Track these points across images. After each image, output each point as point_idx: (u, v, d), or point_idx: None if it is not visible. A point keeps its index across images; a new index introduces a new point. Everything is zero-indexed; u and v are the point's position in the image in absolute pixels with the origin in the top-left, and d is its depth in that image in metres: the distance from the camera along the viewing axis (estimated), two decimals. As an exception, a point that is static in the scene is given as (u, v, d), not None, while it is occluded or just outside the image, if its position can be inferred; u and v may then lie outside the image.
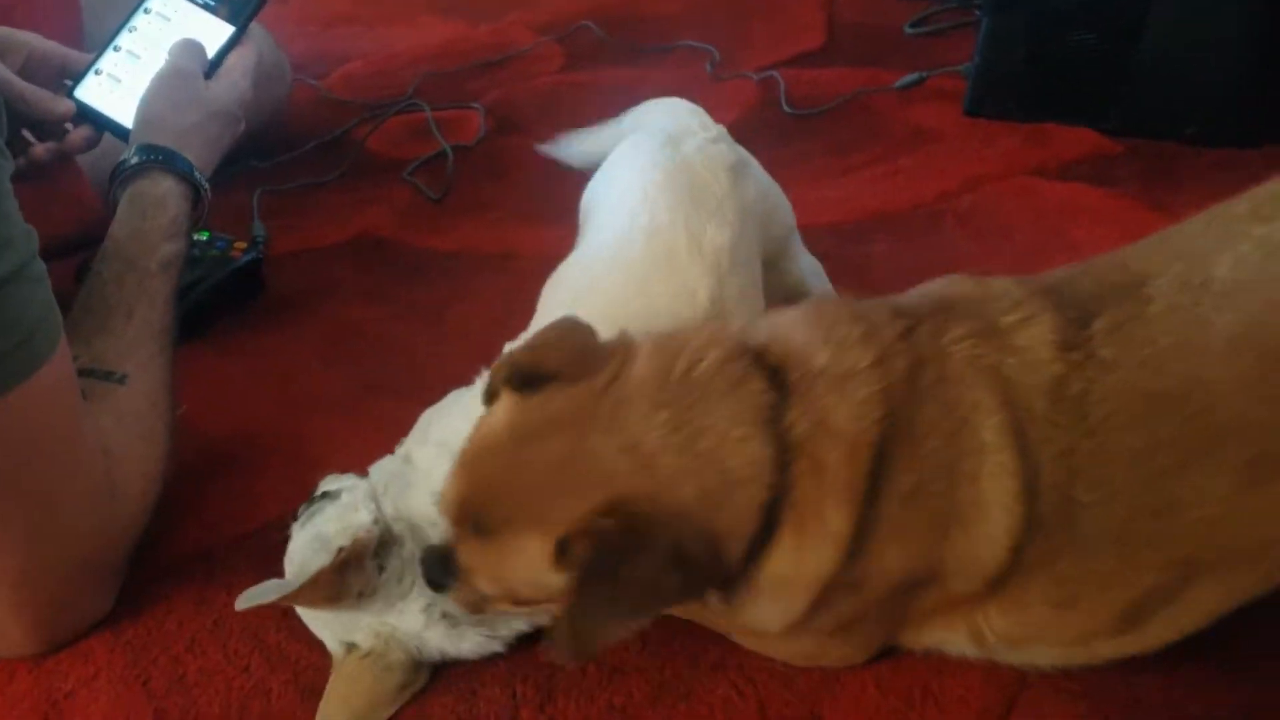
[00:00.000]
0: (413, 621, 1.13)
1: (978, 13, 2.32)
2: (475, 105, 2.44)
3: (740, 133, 2.24)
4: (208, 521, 1.39)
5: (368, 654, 1.14)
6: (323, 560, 1.09)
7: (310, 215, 2.08)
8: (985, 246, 1.82)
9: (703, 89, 2.48)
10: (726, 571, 0.96)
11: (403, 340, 1.74)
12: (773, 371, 0.98)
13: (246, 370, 1.68)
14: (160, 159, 1.44)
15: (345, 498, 1.19)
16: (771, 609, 1.02)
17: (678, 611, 1.16)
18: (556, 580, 0.92)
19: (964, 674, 1.11)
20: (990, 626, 1.04)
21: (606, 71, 2.62)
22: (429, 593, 1.10)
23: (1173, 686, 1.08)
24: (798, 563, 0.97)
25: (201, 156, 1.50)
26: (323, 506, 1.20)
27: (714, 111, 2.34)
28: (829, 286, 1.55)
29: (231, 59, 1.61)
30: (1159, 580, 0.99)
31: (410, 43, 2.86)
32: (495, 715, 1.12)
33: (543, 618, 1.08)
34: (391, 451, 1.28)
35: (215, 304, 1.75)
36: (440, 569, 1.04)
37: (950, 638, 1.08)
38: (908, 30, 2.68)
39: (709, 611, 1.13)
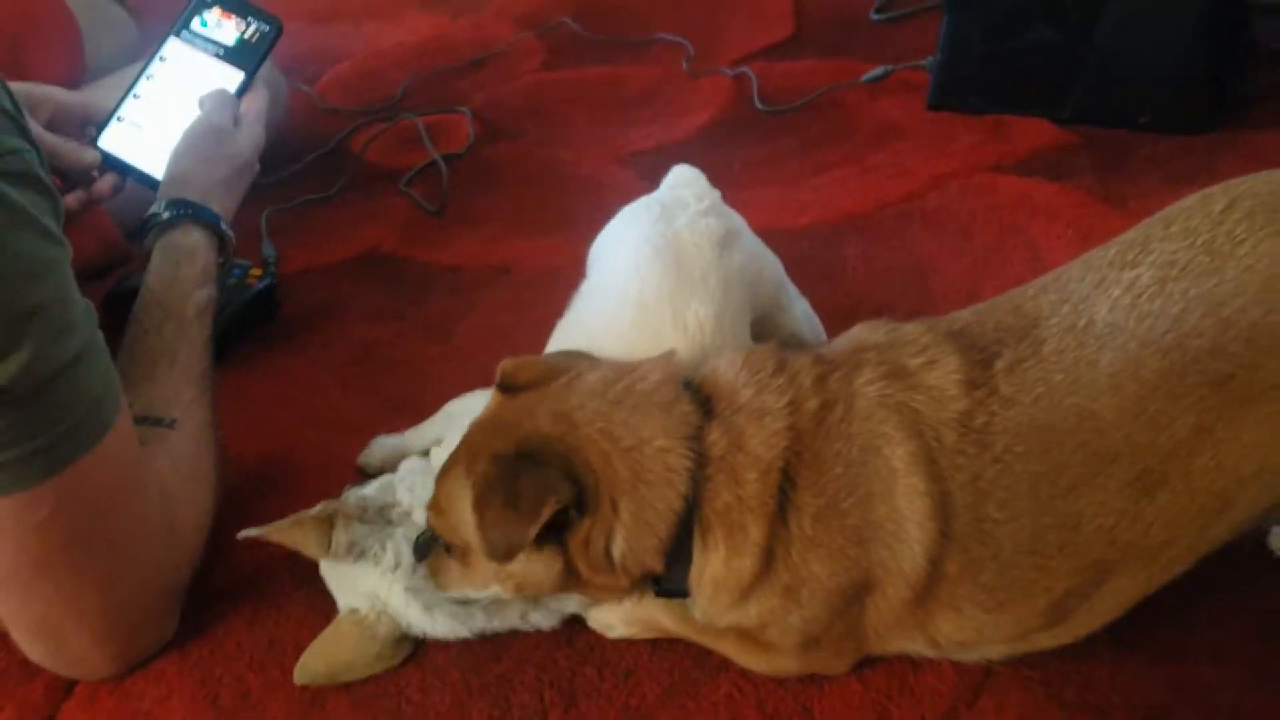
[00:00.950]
0: (397, 600, 1.33)
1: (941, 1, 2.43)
2: (463, 109, 2.55)
3: (717, 133, 2.41)
4: (254, 545, 1.52)
5: (361, 619, 1.34)
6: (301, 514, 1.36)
7: (315, 231, 2.20)
8: (949, 247, 1.96)
9: (680, 87, 2.60)
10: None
11: (415, 357, 1.87)
12: (704, 400, 1.18)
13: (271, 393, 1.82)
14: (190, 212, 1.55)
15: (370, 484, 1.43)
16: (713, 606, 1.20)
17: (688, 639, 1.33)
18: (468, 495, 1.13)
19: (936, 669, 1.28)
20: (940, 633, 1.20)
21: (587, 69, 2.72)
22: (409, 577, 1.33)
23: (1119, 671, 1.25)
24: (727, 566, 1.16)
25: (225, 206, 1.61)
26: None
27: (692, 110, 2.49)
28: (821, 331, 1.65)
29: (245, 105, 1.70)
30: (1074, 582, 1.16)
31: (394, 40, 2.95)
32: (528, 718, 1.28)
33: (493, 593, 1.27)
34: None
35: (236, 330, 1.87)
36: (421, 546, 1.30)
37: (912, 646, 1.24)
38: (873, 17, 2.79)
39: (707, 638, 1.32)
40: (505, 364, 1.25)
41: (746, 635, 1.27)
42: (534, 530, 1.11)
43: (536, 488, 1.11)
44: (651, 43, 2.79)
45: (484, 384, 1.54)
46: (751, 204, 1.64)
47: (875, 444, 1.13)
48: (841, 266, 1.94)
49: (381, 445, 1.62)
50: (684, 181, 1.58)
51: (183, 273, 1.53)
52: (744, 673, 1.30)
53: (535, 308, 1.51)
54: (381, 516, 1.38)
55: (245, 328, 1.90)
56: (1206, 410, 1.08)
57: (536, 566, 1.18)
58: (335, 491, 1.50)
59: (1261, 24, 2.39)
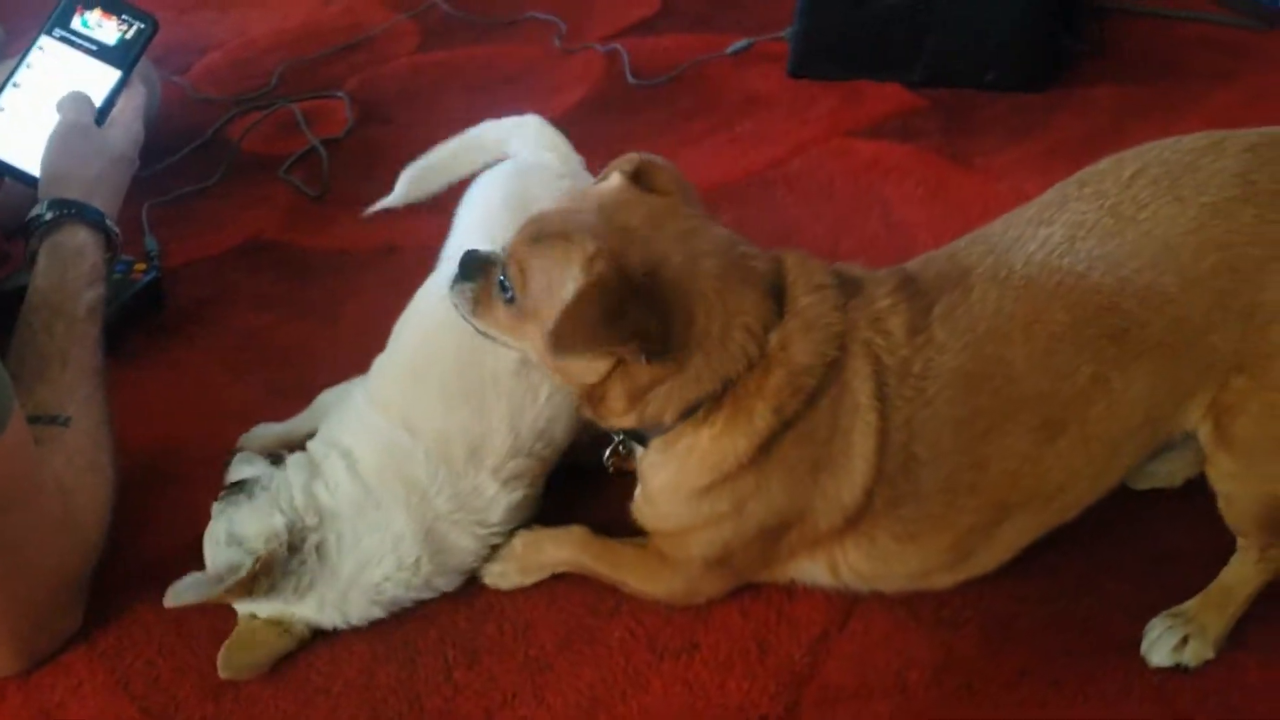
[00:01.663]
0: (308, 608, 1.38)
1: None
2: (339, 94, 2.57)
3: (591, 108, 2.48)
4: (154, 534, 1.58)
5: (276, 620, 1.39)
6: (239, 558, 1.33)
7: (197, 222, 2.21)
8: (811, 209, 2.08)
9: (553, 63, 2.66)
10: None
11: (302, 342, 1.92)
12: (779, 296, 1.24)
13: (161, 385, 1.85)
14: (73, 211, 1.56)
15: (260, 498, 1.41)
16: (679, 474, 1.29)
17: (583, 569, 1.43)
18: (572, 286, 1.16)
19: (810, 597, 1.40)
20: (845, 560, 1.32)
21: (460, 50, 2.76)
22: (322, 584, 1.37)
23: (968, 589, 1.38)
24: (717, 441, 1.25)
25: (109, 203, 1.62)
26: (238, 500, 1.41)
27: (566, 87, 2.56)
28: None
29: (122, 102, 1.71)
30: (978, 520, 1.29)
31: (266, 27, 2.94)
32: (433, 676, 1.36)
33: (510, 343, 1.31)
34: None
35: (122, 324, 1.88)
36: (476, 266, 1.30)
37: (810, 568, 1.35)
38: (736, -11, 2.88)
39: (603, 564, 1.41)
40: (639, 157, 1.28)
41: (649, 556, 1.37)
42: (605, 354, 1.19)
43: (638, 324, 1.16)
44: (523, 21, 2.85)
45: (369, 360, 1.61)
46: (626, 176, 1.72)
47: (850, 379, 1.24)
48: (713, 233, 2.04)
49: (264, 431, 1.65)
50: (547, 143, 1.64)
51: (71, 273, 1.55)
52: (636, 616, 1.41)
53: (417, 287, 1.57)
54: (296, 548, 1.38)
55: (132, 322, 1.92)
56: (1104, 362, 1.20)
57: (579, 366, 1.24)
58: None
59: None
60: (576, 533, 1.43)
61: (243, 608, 1.39)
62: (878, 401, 1.23)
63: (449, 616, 1.42)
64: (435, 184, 1.79)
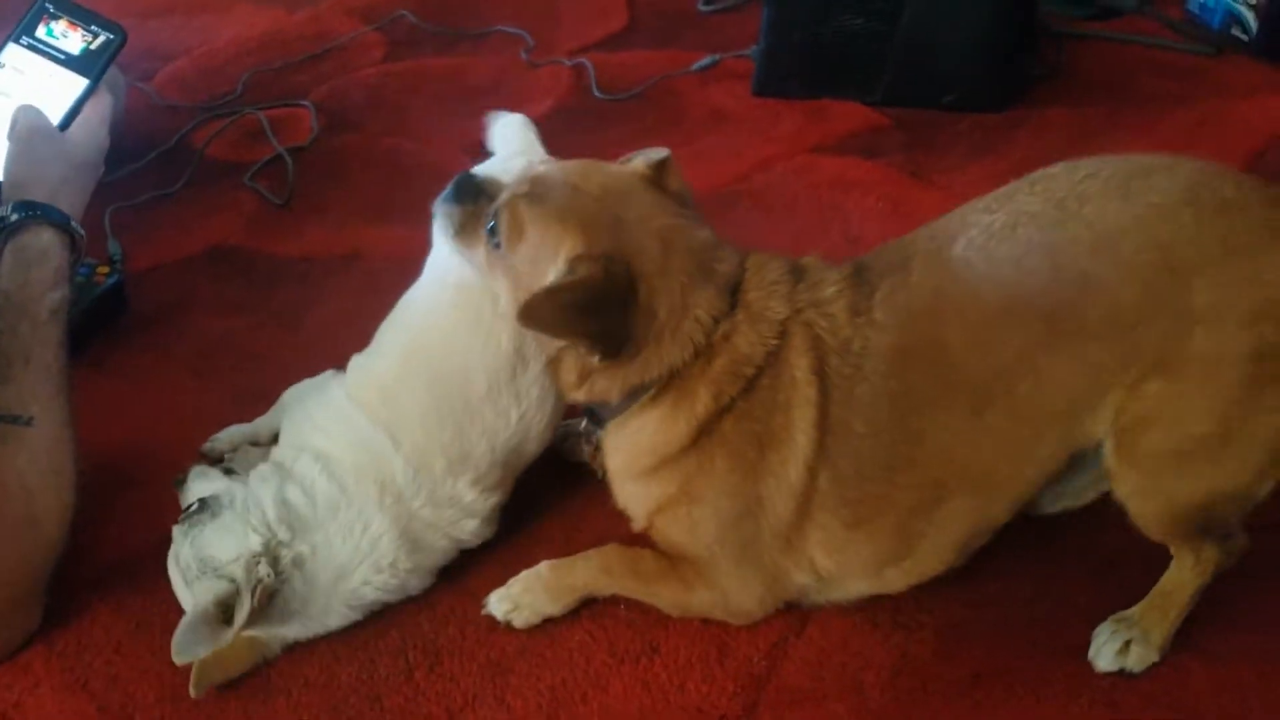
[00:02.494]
0: (293, 629, 1.38)
1: (761, -6, 2.57)
2: (305, 103, 2.58)
3: (558, 121, 2.50)
4: (116, 535, 1.57)
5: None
6: (220, 587, 1.30)
7: (161, 228, 2.21)
8: (774, 224, 2.11)
9: (520, 76, 2.68)
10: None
11: (266, 348, 1.92)
12: (734, 291, 1.28)
13: (123, 389, 1.84)
14: (38, 213, 1.56)
15: (226, 516, 1.37)
16: (629, 456, 1.34)
17: (615, 585, 1.43)
18: (553, 268, 1.22)
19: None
20: (813, 556, 1.34)
21: (427, 61, 2.78)
22: (297, 603, 1.35)
23: (922, 594, 1.41)
24: (661, 423, 1.30)
25: (73, 206, 1.62)
26: (201, 521, 1.37)
27: (532, 100, 2.58)
28: None
29: (89, 109, 1.71)
30: (917, 499, 1.31)
31: (231, 35, 2.94)
32: (394, 678, 1.37)
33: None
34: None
35: (85, 328, 1.88)
36: (470, 192, 1.36)
37: (798, 576, 1.36)
38: (701, 8, 2.92)
39: (636, 579, 1.42)
40: (663, 156, 1.35)
41: (679, 566, 1.39)
42: (565, 340, 1.26)
43: (604, 326, 1.22)
44: (490, 34, 2.87)
45: (333, 367, 1.61)
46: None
47: (789, 357, 1.28)
48: (677, 245, 2.06)
49: (230, 433, 1.65)
50: (521, 146, 1.66)
51: (35, 274, 1.54)
52: (596, 620, 1.42)
53: (386, 294, 1.58)
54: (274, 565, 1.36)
55: (94, 325, 1.91)
56: (1031, 340, 1.23)
57: (543, 336, 1.32)
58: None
59: (1045, 6, 2.62)
60: (609, 547, 1.44)
61: None
62: (816, 377, 1.27)
63: (411, 618, 1.43)
64: None
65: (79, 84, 1.70)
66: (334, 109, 2.59)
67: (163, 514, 1.58)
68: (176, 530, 1.39)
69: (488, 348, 1.44)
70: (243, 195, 2.31)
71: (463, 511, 1.43)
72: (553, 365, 1.34)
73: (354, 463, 1.41)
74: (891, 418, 1.28)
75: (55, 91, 1.70)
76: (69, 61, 1.70)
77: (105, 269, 1.95)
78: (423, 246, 1.65)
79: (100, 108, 1.71)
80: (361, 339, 1.83)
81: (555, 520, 1.57)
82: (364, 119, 2.55)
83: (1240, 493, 1.26)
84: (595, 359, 1.25)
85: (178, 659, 1.27)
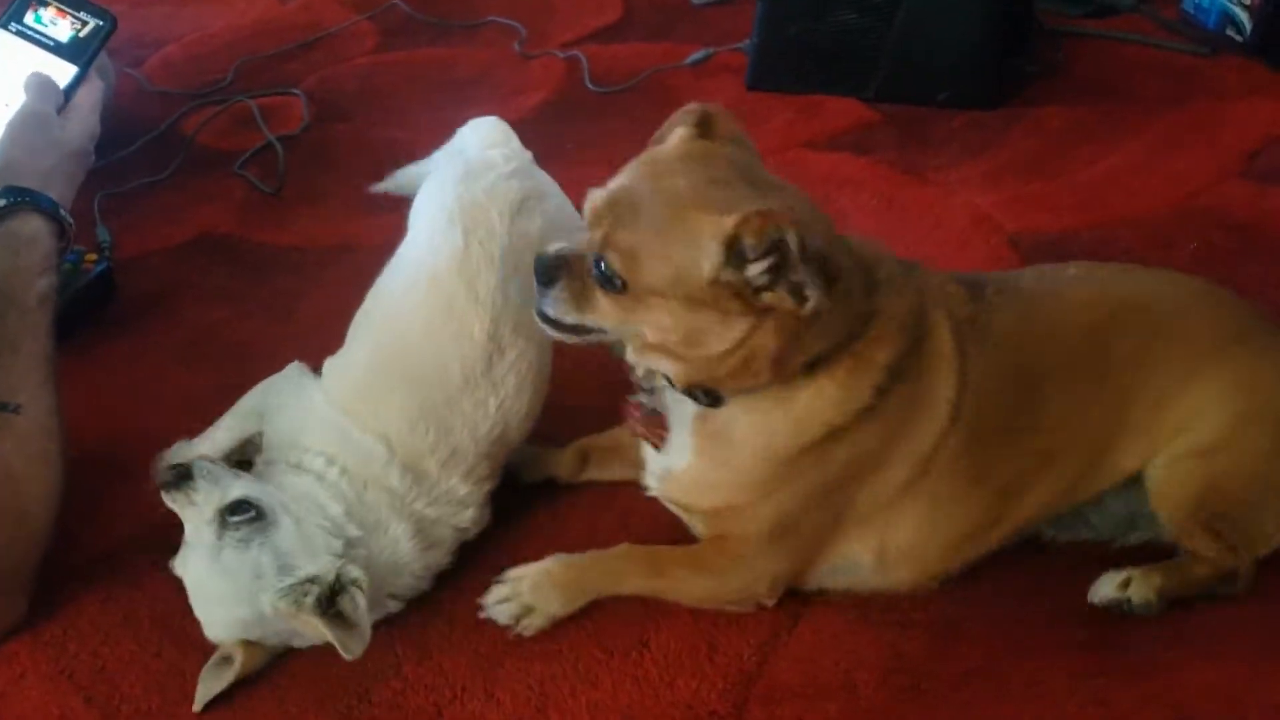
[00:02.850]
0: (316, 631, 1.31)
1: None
2: (296, 91, 2.57)
3: (552, 113, 2.49)
4: (103, 525, 1.56)
5: (256, 647, 1.34)
6: (308, 605, 1.27)
7: (150, 215, 2.19)
8: (768, 219, 2.10)
9: (513, 67, 2.67)
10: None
11: (256, 337, 1.90)
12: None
13: (112, 377, 1.83)
14: (27, 199, 1.54)
15: (289, 519, 1.32)
16: (783, 431, 1.30)
17: (630, 584, 1.42)
18: (715, 258, 1.16)
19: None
20: (896, 531, 1.37)
21: (420, 51, 2.77)
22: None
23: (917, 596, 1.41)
24: (829, 396, 1.29)
25: (63, 194, 1.60)
26: (265, 527, 1.30)
27: (525, 91, 2.57)
28: None
29: (79, 96, 1.69)
30: (1025, 467, 1.38)
31: (223, 23, 2.93)
32: (382, 671, 1.36)
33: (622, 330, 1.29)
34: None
35: (73, 315, 1.86)
36: (555, 264, 1.28)
37: (856, 552, 1.38)
38: (695, 2, 2.92)
39: (653, 572, 1.41)
40: (699, 109, 1.30)
41: (701, 551, 1.40)
42: (757, 311, 1.20)
43: (839, 260, 1.21)
44: (483, 25, 2.86)
45: (325, 357, 1.60)
46: (584, 182, 1.70)
47: (932, 328, 1.33)
48: (670, 240, 2.06)
49: (187, 450, 1.56)
50: (494, 140, 1.64)
51: (23, 261, 1.52)
52: (586, 614, 1.41)
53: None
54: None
55: (82, 312, 1.89)
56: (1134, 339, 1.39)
57: (714, 335, 1.22)
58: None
59: (1041, 4, 2.62)
60: (624, 546, 1.43)
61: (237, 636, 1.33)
62: (955, 340, 1.34)
63: (399, 614, 1.42)
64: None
65: (68, 71, 1.68)
66: (325, 98, 2.58)
67: (151, 504, 1.57)
68: (229, 535, 1.31)
69: (461, 339, 1.43)
70: (233, 183, 2.29)
71: (459, 504, 1.42)
72: (741, 350, 1.24)
73: (358, 470, 1.39)
74: (1016, 384, 1.36)
75: None
76: (57, 49, 1.69)
77: (93, 256, 1.94)
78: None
79: (92, 95, 1.70)
80: (352, 329, 1.82)
81: (542, 508, 1.57)
82: (355, 108, 2.54)
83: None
84: (817, 305, 1.18)
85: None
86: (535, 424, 1.51)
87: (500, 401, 1.44)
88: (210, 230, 2.16)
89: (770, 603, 1.40)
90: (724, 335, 1.22)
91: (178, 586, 1.38)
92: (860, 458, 1.33)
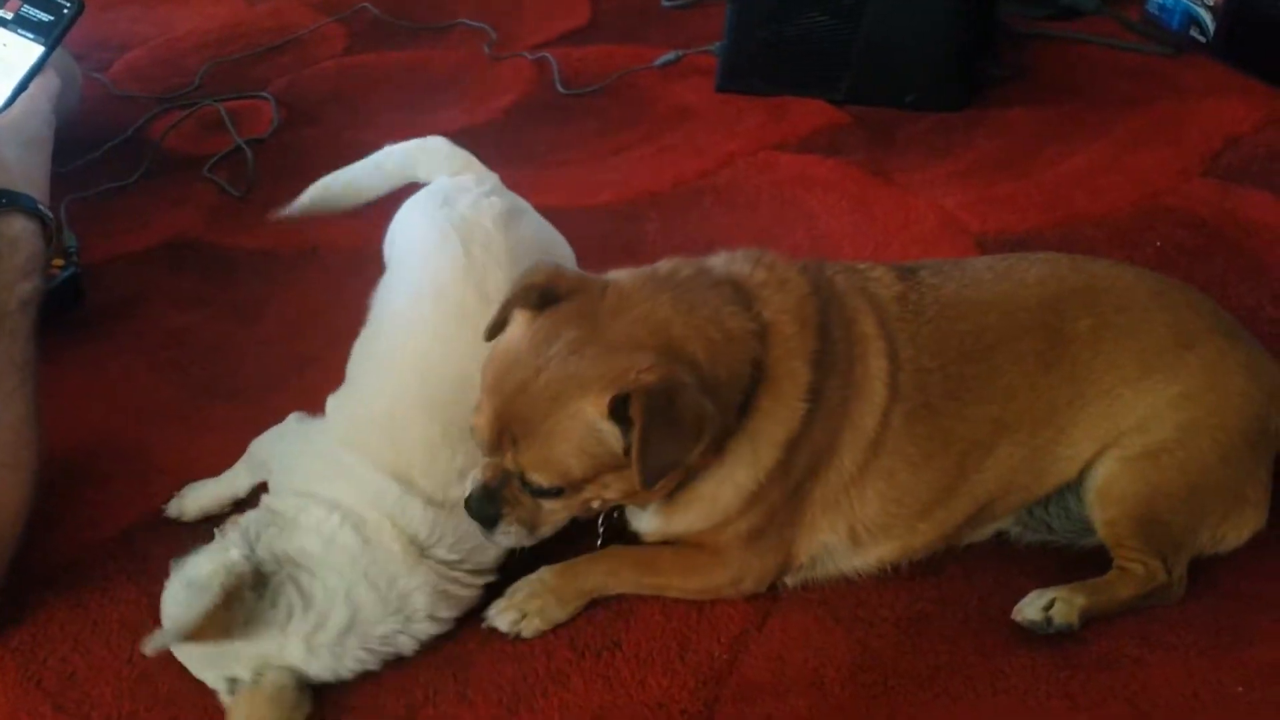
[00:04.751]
0: (295, 652, 1.29)
1: (725, -9, 2.58)
2: (265, 94, 2.55)
3: (521, 115, 2.50)
4: (71, 532, 1.55)
5: (255, 687, 1.29)
6: (203, 601, 1.22)
7: (118, 220, 2.18)
8: (737, 219, 2.12)
9: (482, 70, 2.67)
10: (727, 417, 1.28)
11: (225, 342, 1.89)
12: (732, 284, 1.33)
13: (78, 382, 1.81)
14: (5, 201, 1.52)
15: (214, 544, 1.32)
16: (744, 470, 1.32)
17: (621, 584, 1.43)
18: (613, 433, 1.20)
19: (730, 600, 1.42)
20: (863, 511, 1.38)
21: (389, 54, 2.76)
22: (308, 623, 1.28)
23: (884, 588, 1.43)
24: (773, 417, 1.31)
25: (38, 187, 1.59)
26: (185, 557, 1.30)
27: (495, 94, 2.57)
28: None
29: (35, 86, 1.69)
30: (980, 434, 1.39)
31: (190, 26, 2.91)
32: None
33: (582, 508, 1.31)
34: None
35: (39, 320, 1.84)
36: (487, 504, 1.29)
37: (829, 540, 1.40)
38: (664, 4, 2.93)
39: (645, 572, 1.43)
40: (535, 279, 1.27)
41: (687, 550, 1.40)
42: (698, 451, 1.24)
43: (695, 419, 1.21)
44: (453, 27, 2.86)
45: (295, 362, 1.58)
46: (555, 183, 1.73)
47: (852, 315, 1.36)
48: (641, 241, 2.07)
49: (197, 492, 1.56)
50: (459, 166, 1.64)
51: (6, 263, 1.50)
52: (556, 616, 1.41)
53: (345, 287, 1.57)
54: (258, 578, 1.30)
55: (49, 318, 1.86)
56: (1098, 317, 1.41)
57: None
58: (145, 480, 1.57)
59: (1006, 7, 2.64)
60: (611, 549, 1.44)
61: (214, 669, 1.31)
62: (880, 328, 1.37)
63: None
64: (341, 204, 1.77)
65: (34, 51, 1.69)
66: (294, 101, 2.57)
67: (116, 511, 1.57)
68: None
69: (478, 344, 1.34)
70: (201, 187, 2.28)
71: (482, 548, 1.37)
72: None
73: (368, 517, 1.33)
74: (961, 351, 1.38)
75: (9, 58, 1.68)
76: (22, 25, 1.69)
77: (60, 261, 1.91)
78: (382, 240, 1.64)
79: (46, 84, 1.70)
80: (321, 332, 1.82)
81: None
82: (325, 112, 2.53)
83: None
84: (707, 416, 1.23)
85: (146, 650, 1.24)
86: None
87: None
88: (178, 234, 2.15)
89: (762, 589, 1.42)
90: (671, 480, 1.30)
91: (150, 591, 1.37)
92: (816, 453, 1.35)
